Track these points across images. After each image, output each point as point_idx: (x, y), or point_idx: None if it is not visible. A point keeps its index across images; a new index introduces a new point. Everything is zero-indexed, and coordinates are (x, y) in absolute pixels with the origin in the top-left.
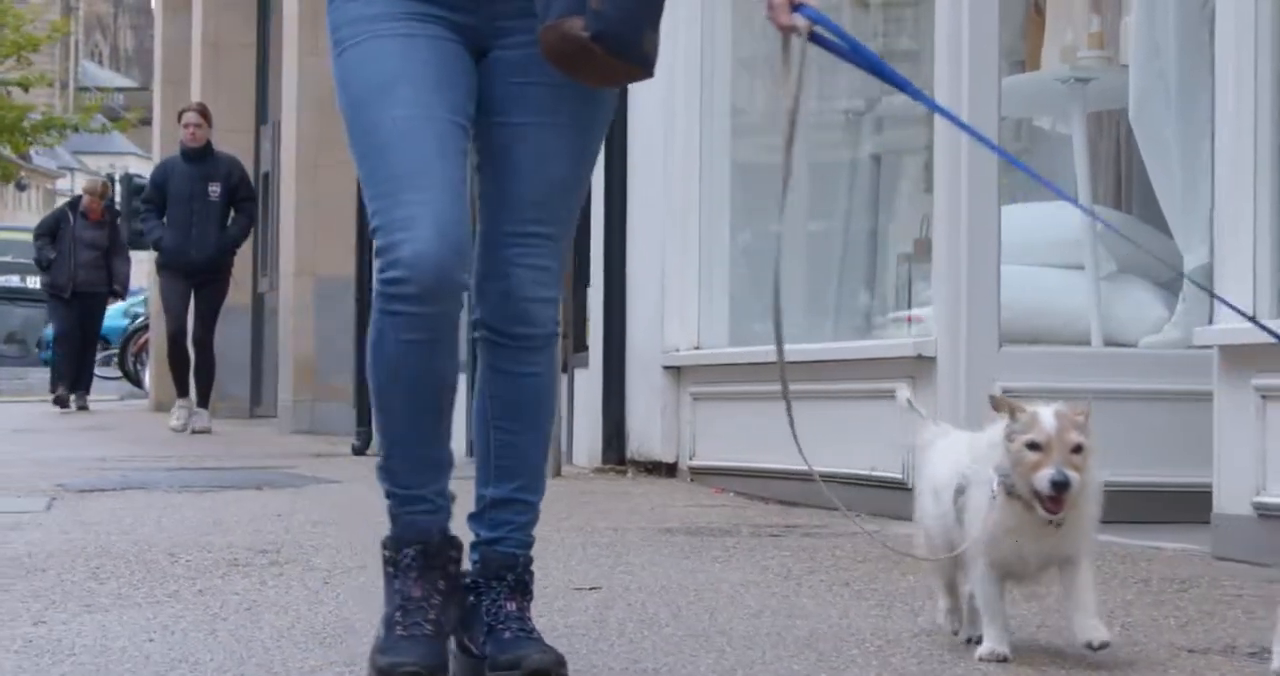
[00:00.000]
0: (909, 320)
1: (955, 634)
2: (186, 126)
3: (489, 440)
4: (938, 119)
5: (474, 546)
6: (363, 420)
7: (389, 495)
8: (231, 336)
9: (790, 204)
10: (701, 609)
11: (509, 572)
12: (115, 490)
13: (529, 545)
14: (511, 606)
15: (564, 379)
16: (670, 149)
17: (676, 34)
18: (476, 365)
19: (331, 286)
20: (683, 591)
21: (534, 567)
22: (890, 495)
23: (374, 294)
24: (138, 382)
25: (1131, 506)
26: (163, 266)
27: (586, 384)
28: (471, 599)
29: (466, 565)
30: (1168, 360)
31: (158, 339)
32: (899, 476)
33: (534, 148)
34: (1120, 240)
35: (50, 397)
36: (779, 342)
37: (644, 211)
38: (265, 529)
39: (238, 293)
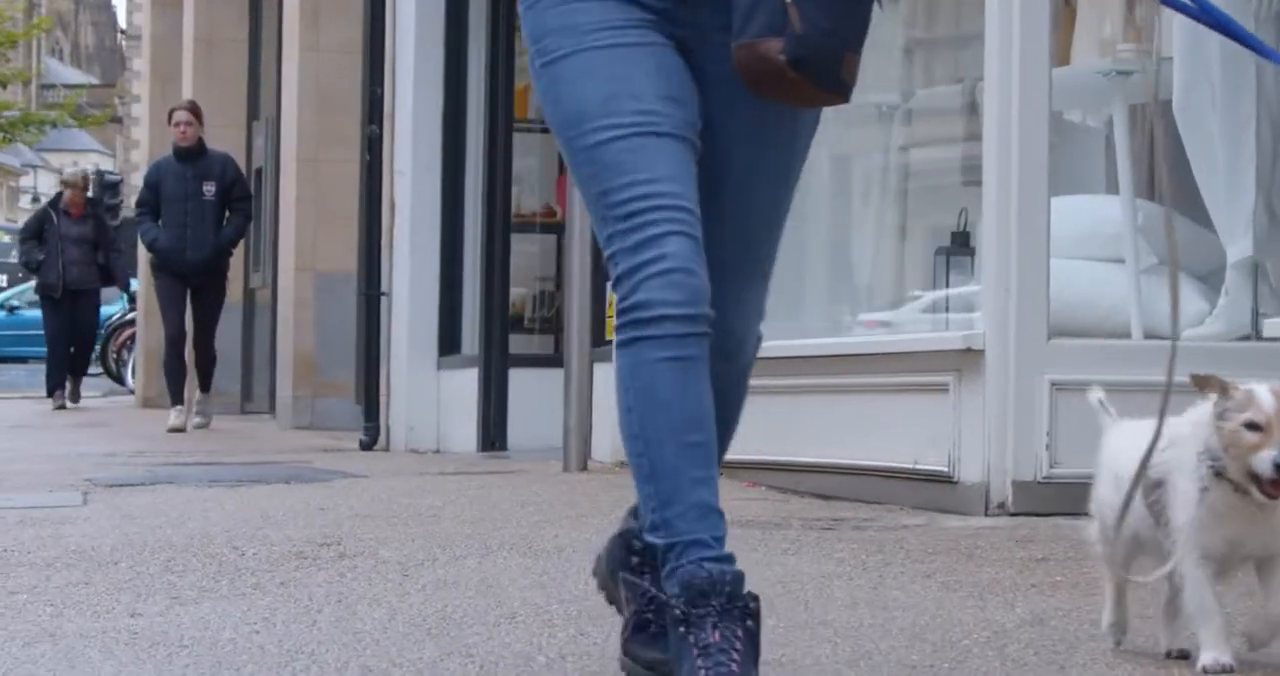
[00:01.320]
0: (869, 325)
1: (1117, 645)
2: (177, 125)
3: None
4: (986, 113)
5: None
6: (370, 415)
7: (667, 549)
8: (223, 332)
9: (824, 198)
10: (793, 601)
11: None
12: (144, 485)
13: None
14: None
15: (587, 374)
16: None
17: None
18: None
19: (332, 282)
20: (767, 584)
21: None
22: (935, 488)
23: (616, 327)
24: (119, 379)
25: None
26: (158, 268)
27: (609, 379)
28: (634, 560)
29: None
30: (1220, 353)
31: (148, 340)
32: (944, 469)
33: (742, 167)
34: (1162, 233)
35: (49, 399)
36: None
37: None
38: (314, 522)
39: (229, 289)
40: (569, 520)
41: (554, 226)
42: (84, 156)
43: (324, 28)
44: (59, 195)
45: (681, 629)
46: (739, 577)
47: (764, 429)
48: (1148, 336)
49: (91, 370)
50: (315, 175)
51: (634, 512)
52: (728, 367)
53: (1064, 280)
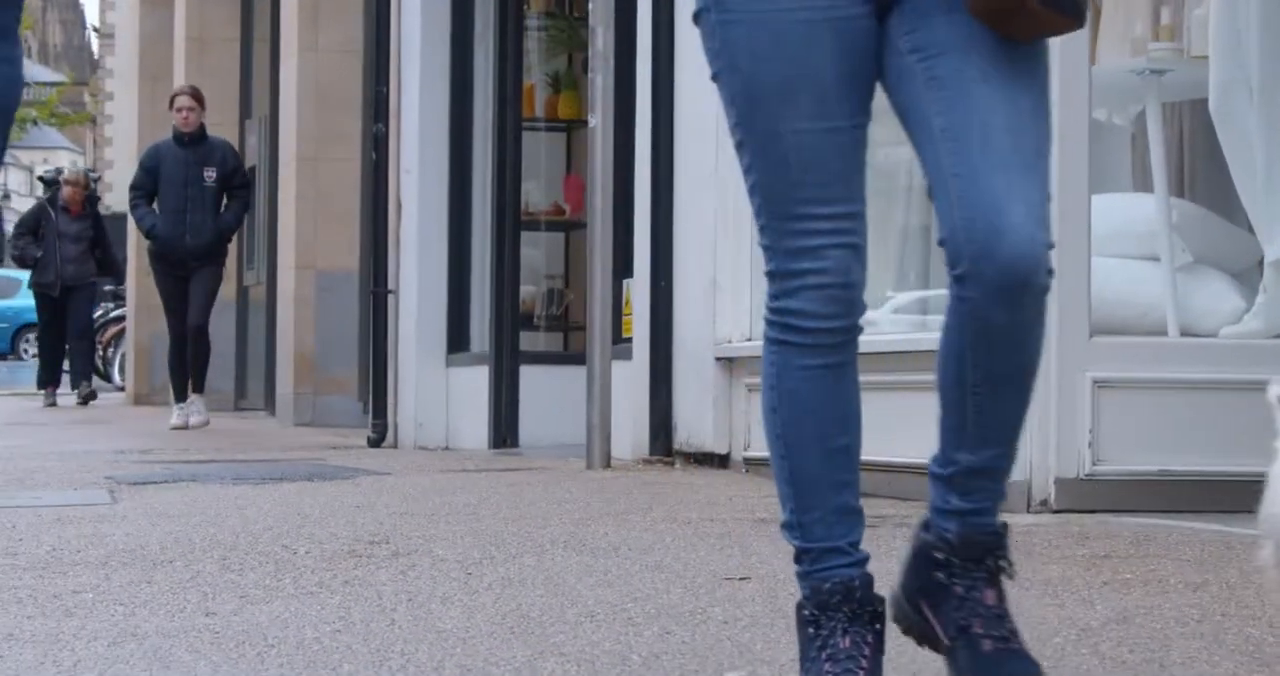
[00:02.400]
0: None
1: None
2: (179, 110)
3: (966, 403)
4: None
5: (944, 514)
6: (378, 412)
7: (801, 553)
8: (217, 330)
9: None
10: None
11: (989, 556)
12: (168, 483)
13: (1005, 528)
14: (991, 598)
15: (609, 372)
16: (722, 139)
17: None
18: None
19: (332, 279)
20: None
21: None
22: None
23: (767, 322)
24: (106, 376)
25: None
26: (156, 256)
27: (629, 376)
28: (940, 576)
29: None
30: (1257, 351)
31: (139, 337)
32: None
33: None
34: (1196, 231)
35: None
36: None
37: (693, 203)
38: (355, 520)
39: (224, 286)
40: (611, 517)
41: (560, 224)
42: (54, 154)
43: (323, 27)
44: (57, 192)
45: (811, 630)
46: (869, 581)
47: None
48: (1183, 334)
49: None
50: (315, 174)
51: (924, 526)
52: (1014, 314)
53: (1098, 278)
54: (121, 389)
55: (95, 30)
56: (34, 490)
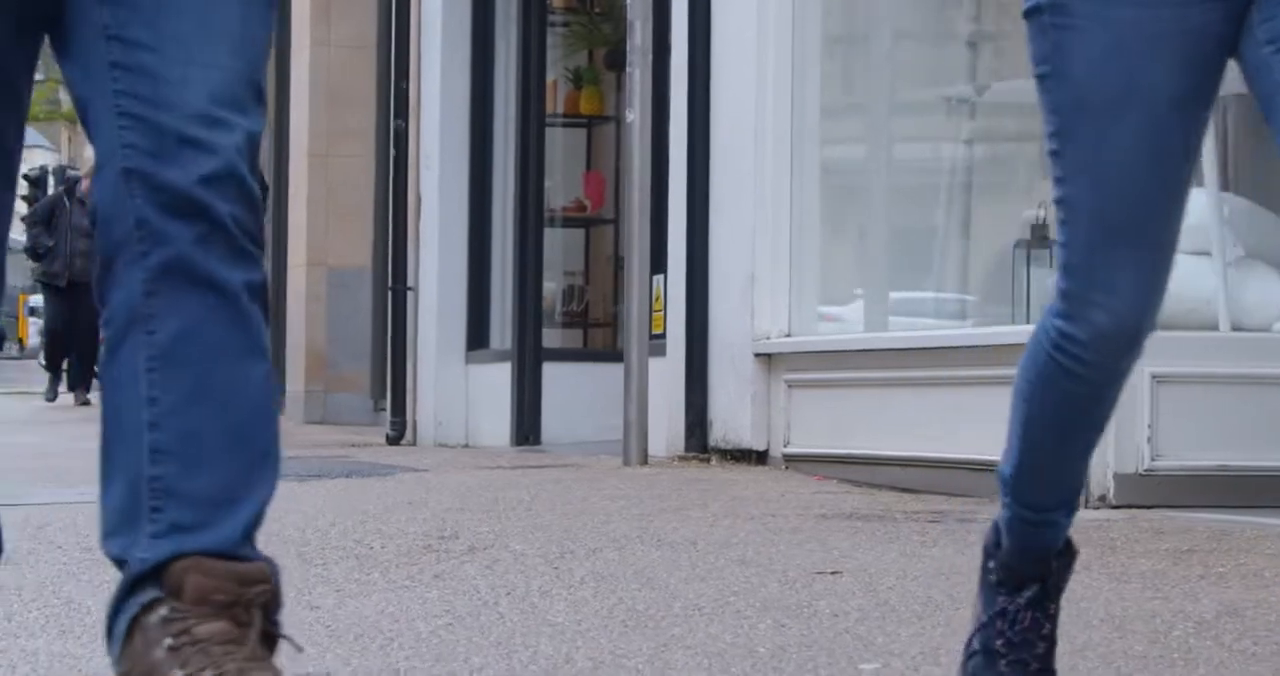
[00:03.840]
0: (828, 319)
1: None
2: None
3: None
4: None
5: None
6: (397, 410)
7: (1008, 507)
8: None
9: (901, 191)
10: (970, 592)
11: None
12: None
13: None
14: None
15: (645, 369)
16: (761, 133)
17: (766, 11)
18: None
19: (343, 276)
20: (929, 576)
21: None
22: None
23: (1045, 327)
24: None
25: None
26: None
27: (662, 372)
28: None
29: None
30: None
31: None
32: None
33: None
34: (1246, 225)
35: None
36: None
37: (731, 198)
38: (415, 516)
39: None
40: (671, 513)
41: (581, 220)
42: (30, 152)
43: (335, 23)
44: (74, 184)
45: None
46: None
47: (835, 422)
48: (1234, 329)
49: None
50: (326, 170)
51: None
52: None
53: None
54: None
55: None
56: (75, 487)
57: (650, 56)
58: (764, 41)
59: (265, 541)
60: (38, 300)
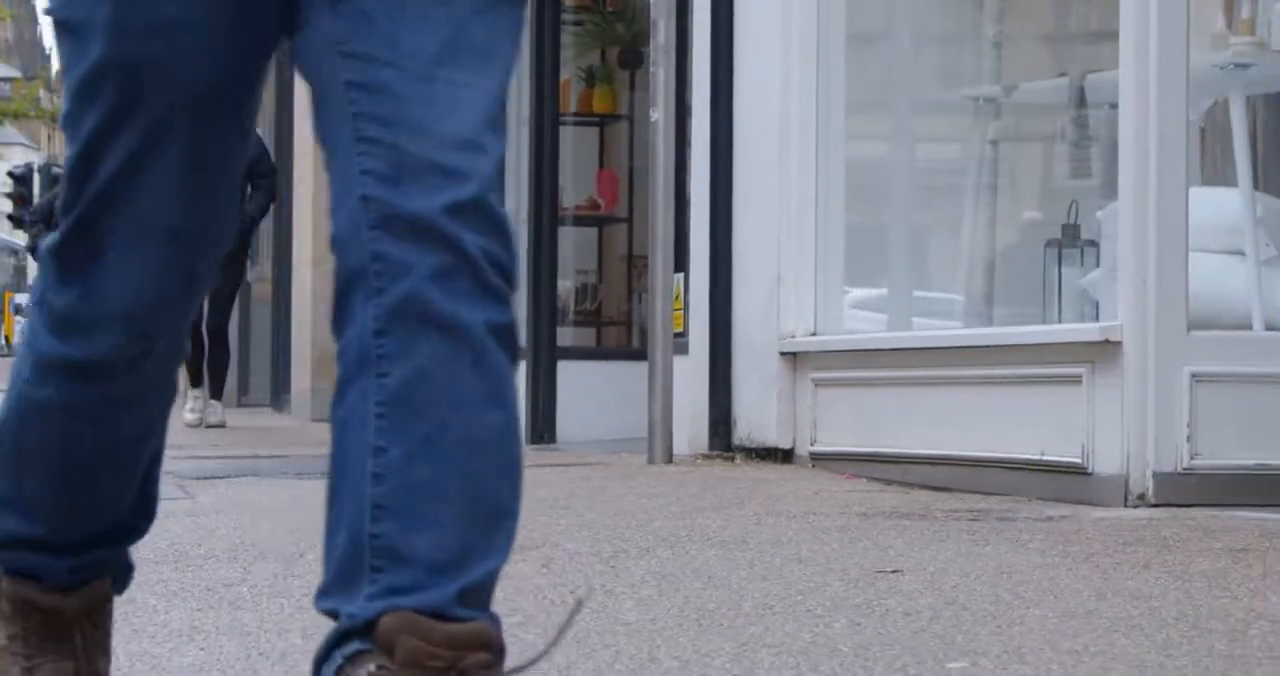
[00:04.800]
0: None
1: None
2: None
3: None
4: (1122, 104)
5: None
6: None
7: None
8: None
9: (927, 191)
10: (1035, 590)
11: None
12: (230, 477)
13: None
14: None
15: (670, 369)
16: (786, 132)
17: (790, 8)
18: None
19: None
20: (990, 574)
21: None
22: (1063, 480)
23: None
24: None
25: None
26: None
27: (685, 371)
28: None
29: None
30: None
31: None
32: (1077, 461)
33: None
34: (1278, 225)
35: None
36: None
37: (755, 196)
38: None
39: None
40: (711, 511)
41: (593, 219)
42: (11, 150)
43: None
44: None
45: None
46: None
47: (863, 420)
48: (1268, 328)
49: None
50: None
51: None
52: None
53: None
54: None
55: None
56: None
57: (674, 55)
58: (788, 39)
59: (306, 537)
60: (24, 298)
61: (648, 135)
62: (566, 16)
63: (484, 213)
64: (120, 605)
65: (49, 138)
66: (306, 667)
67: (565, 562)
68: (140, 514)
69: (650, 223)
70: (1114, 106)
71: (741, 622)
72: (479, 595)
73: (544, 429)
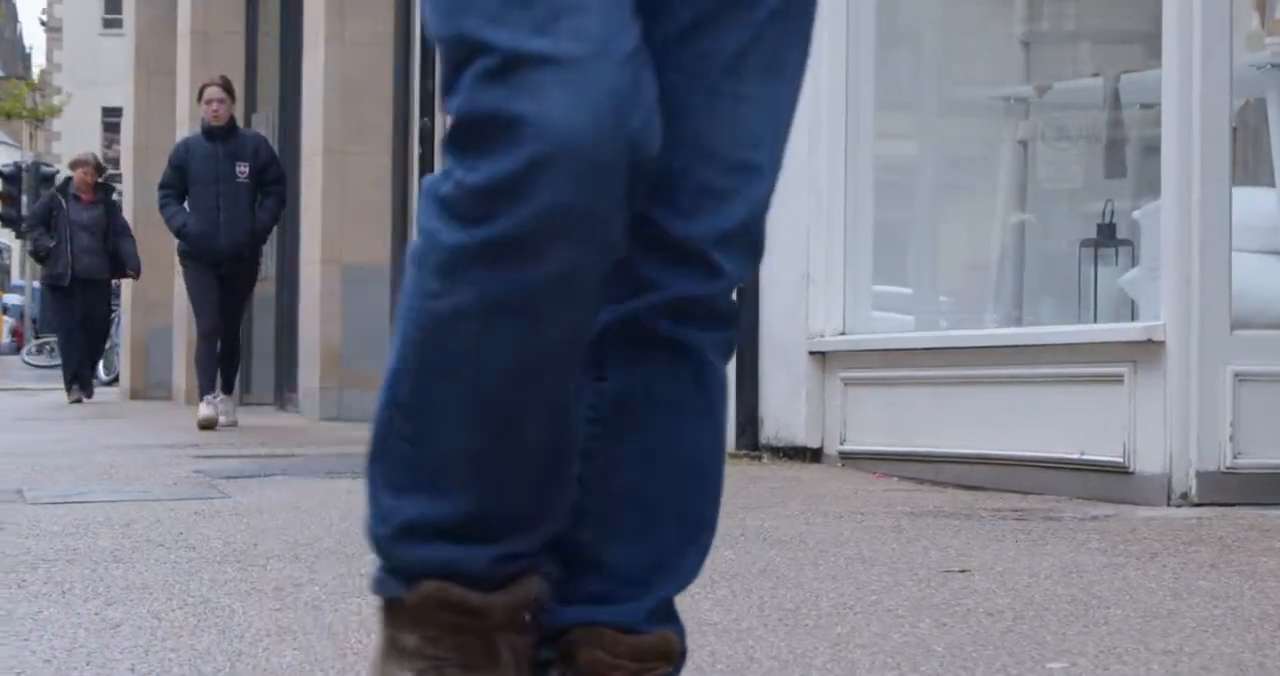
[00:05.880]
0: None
1: None
2: (209, 103)
3: None
4: (1165, 103)
5: None
6: None
7: None
8: None
9: (959, 191)
10: (1110, 590)
11: None
12: (260, 477)
13: None
14: None
15: None
16: (815, 130)
17: (820, 5)
18: None
19: (358, 273)
20: (1059, 573)
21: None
22: (1103, 479)
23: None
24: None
25: None
26: (188, 256)
27: None
28: None
29: None
30: None
31: (134, 332)
32: (1118, 460)
33: None
34: None
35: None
36: None
37: (783, 195)
38: None
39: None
40: (755, 511)
41: None
42: None
43: (349, 20)
44: (67, 180)
45: None
46: None
47: (894, 420)
48: None
49: (55, 360)
50: (340, 167)
51: None
52: None
53: None
54: (107, 383)
55: (43, 24)
56: (128, 484)
57: None
58: (818, 38)
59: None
60: (11, 299)
61: None
62: None
63: (745, 239)
64: (195, 605)
65: (31, 137)
66: None
67: None
68: (563, 484)
69: None
70: (1145, 106)
71: (825, 623)
72: (668, 608)
73: None
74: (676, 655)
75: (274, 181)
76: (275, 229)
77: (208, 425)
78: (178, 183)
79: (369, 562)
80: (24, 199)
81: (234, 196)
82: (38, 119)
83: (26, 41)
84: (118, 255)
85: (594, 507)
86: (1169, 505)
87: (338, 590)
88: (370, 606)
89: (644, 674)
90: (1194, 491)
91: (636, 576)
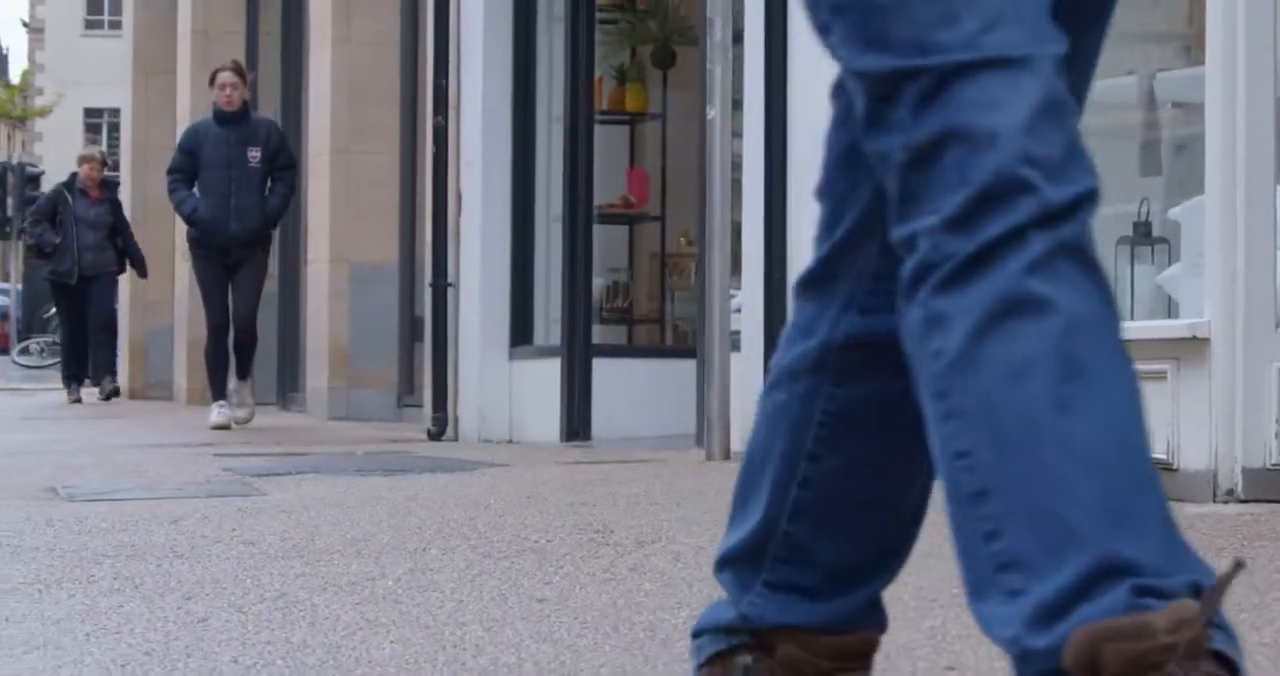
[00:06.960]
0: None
1: None
2: (222, 88)
3: None
4: (1209, 100)
5: None
6: (438, 406)
7: None
8: None
9: None
10: None
11: None
12: (291, 474)
13: None
14: None
15: (727, 364)
16: None
17: None
18: None
19: (366, 272)
20: None
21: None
22: None
23: None
24: None
25: None
26: (197, 243)
27: (738, 367)
28: None
29: None
30: None
31: (133, 330)
32: (1162, 456)
33: None
34: None
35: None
36: None
37: (808, 194)
38: (542, 511)
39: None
40: None
41: (625, 217)
42: None
43: (355, 20)
44: (73, 176)
45: None
46: None
47: None
48: None
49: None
50: (348, 166)
51: None
52: None
53: None
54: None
55: (25, 25)
56: (160, 482)
57: (730, 53)
58: None
59: (412, 532)
60: None
61: (679, 133)
62: (598, 15)
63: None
64: (274, 599)
65: (9, 137)
66: (506, 659)
67: (691, 558)
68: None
69: (707, 220)
70: (1176, 104)
71: (914, 615)
72: (870, 604)
73: (579, 426)
74: (872, 651)
75: (285, 167)
76: (280, 227)
77: (222, 428)
78: (188, 168)
79: (433, 557)
80: (9, 201)
81: (246, 182)
82: (22, 120)
83: (4, 43)
84: (128, 252)
85: (811, 507)
86: (1215, 501)
87: (411, 584)
88: (452, 601)
89: (837, 673)
90: (1240, 488)
91: (839, 574)
